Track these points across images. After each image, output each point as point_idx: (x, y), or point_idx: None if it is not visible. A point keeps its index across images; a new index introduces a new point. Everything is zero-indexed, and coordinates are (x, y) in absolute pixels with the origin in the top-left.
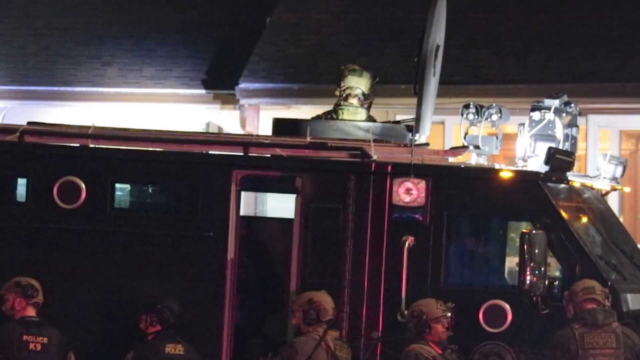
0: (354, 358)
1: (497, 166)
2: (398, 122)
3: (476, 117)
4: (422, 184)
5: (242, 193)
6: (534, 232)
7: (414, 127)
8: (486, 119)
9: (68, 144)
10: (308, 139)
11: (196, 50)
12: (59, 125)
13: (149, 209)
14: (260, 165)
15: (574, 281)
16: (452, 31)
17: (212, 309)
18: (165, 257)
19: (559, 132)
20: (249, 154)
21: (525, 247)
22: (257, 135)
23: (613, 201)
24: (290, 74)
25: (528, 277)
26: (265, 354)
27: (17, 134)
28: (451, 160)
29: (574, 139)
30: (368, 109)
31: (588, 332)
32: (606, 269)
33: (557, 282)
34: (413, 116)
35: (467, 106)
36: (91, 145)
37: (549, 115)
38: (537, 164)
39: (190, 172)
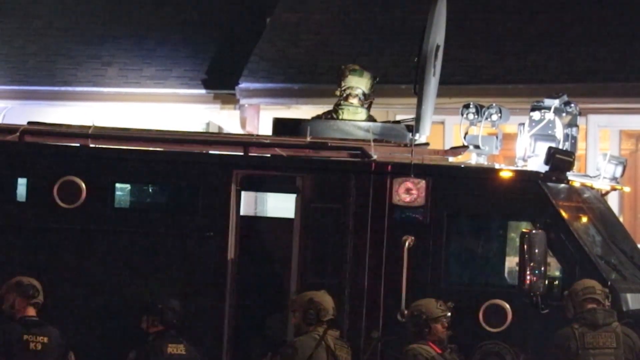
0: (354, 358)
1: (497, 166)
2: (398, 122)
3: (476, 117)
4: (422, 184)
5: (242, 193)
6: (534, 232)
7: (414, 127)
8: (486, 118)
9: (68, 144)
10: (308, 139)
11: (196, 50)
12: (59, 125)
13: (149, 209)
14: (260, 165)
15: (574, 281)
16: (452, 31)
17: (213, 308)
18: (165, 257)
19: (559, 132)
20: (249, 154)
21: (525, 246)
22: (257, 135)
23: (613, 201)
24: (290, 74)
25: (528, 277)
26: (266, 354)
27: (18, 133)
28: (451, 160)
29: (574, 138)
30: (368, 108)
31: (588, 331)
32: (606, 269)
33: (557, 282)
34: (413, 116)
35: (467, 106)
36: (91, 145)
37: (549, 115)
38: (537, 164)
39: (191, 172)
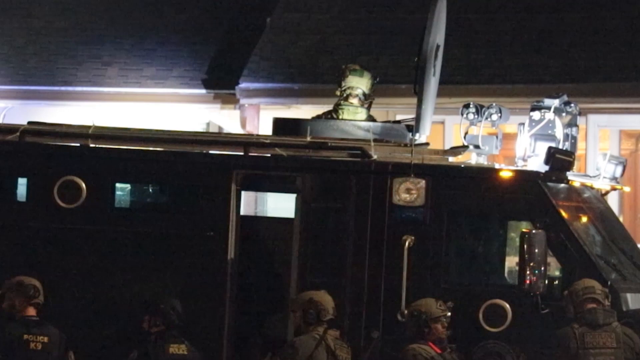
0: (354, 358)
1: (497, 166)
2: (398, 121)
3: (476, 116)
4: (422, 184)
5: (243, 193)
6: (534, 231)
7: (414, 127)
8: (486, 118)
9: (68, 144)
10: (308, 139)
11: (196, 50)
12: (60, 125)
13: (149, 209)
14: (260, 165)
15: (574, 281)
16: (452, 31)
17: (213, 308)
18: (165, 257)
19: (559, 131)
20: (250, 154)
21: (525, 246)
22: (258, 135)
23: (613, 201)
24: (290, 74)
25: (528, 277)
26: (266, 354)
27: (18, 133)
28: (451, 160)
29: (574, 138)
30: (368, 108)
31: (588, 331)
32: (606, 269)
33: (557, 282)
34: (413, 116)
35: (467, 106)
36: (92, 145)
37: (549, 115)
38: (537, 164)
39: (191, 172)
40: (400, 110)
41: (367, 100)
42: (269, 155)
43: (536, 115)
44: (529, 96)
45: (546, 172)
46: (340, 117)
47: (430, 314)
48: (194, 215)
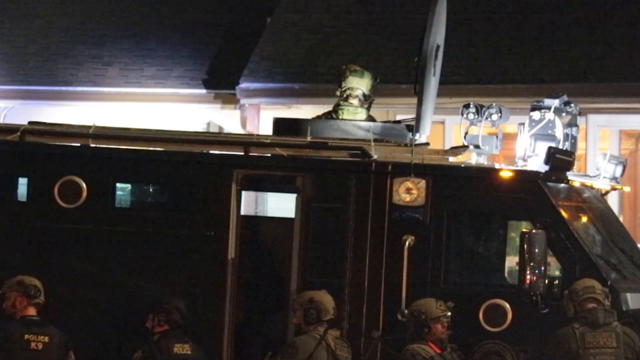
0: (354, 357)
1: (497, 166)
2: (398, 121)
3: (476, 116)
4: (422, 184)
5: (243, 192)
6: (534, 231)
7: (414, 127)
8: (486, 118)
9: (69, 144)
10: (308, 139)
11: (197, 50)
12: (60, 124)
13: (149, 209)
14: (260, 165)
15: (574, 280)
16: (452, 31)
17: (213, 308)
18: (166, 257)
19: (559, 131)
20: (250, 154)
21: (525, 246)
22: (258, 135)
23: (613, 201)
24: (290, 74)
25: (528, 277)
26: (266, 353)
27: (18, 133)
28: (451, 160)
29: (574, 138)
30: (368, 108)
31: (588, 331)
32: (606, 269)
33: (557, 282)
34: (413, 116)
35: (467, 106)
36: (92, 145)
37: (549, 115)
38: (537, 164)
39: (191, 171)
40: (400, 110)
41: (367, 100)
42: (269, 155)
43: (536, 115)
44: (529, 96)
45: (546, 172)
46: (340, 117)
47: (430, 314)
48: (194, 215)
